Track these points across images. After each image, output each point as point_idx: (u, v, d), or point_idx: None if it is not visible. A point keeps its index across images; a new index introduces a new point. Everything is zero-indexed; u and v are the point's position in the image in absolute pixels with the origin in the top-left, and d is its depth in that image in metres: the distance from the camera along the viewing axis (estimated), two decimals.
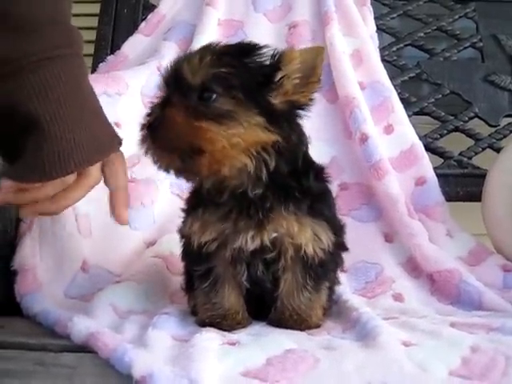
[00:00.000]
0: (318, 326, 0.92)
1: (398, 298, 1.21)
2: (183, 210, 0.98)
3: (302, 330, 0.89)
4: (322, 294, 0.95)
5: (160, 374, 0.67)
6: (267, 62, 0.86)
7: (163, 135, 0.83)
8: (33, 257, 1.06)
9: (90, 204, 1.24)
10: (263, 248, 0.88)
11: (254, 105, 0.83)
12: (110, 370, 0.71)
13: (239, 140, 0.82)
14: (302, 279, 0.90)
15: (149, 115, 0.88)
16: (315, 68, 0.87)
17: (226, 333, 0.85)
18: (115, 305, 1.01)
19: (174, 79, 0.86)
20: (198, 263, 0.93)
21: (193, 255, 0.94)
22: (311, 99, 0.89)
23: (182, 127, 0.82)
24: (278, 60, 0.86)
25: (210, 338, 0.79)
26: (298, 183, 0.89)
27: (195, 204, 0.93)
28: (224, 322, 0.89)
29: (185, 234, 0.95)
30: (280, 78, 0.85)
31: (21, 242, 1.07)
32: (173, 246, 1.18)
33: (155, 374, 0.66)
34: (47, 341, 0.79)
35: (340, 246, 0.99)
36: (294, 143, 0.88)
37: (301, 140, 0.91)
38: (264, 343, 0.78)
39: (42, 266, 1.06)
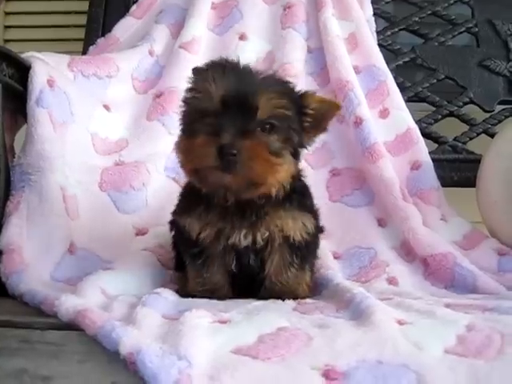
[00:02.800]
0: (306, 297, 1.00)
1: (392, 281, 1.20)
2: (179, 205, 1.02)
3: (291, 298, 0.95)
4: (305, 273, 1.03)
5: (148, 350, 0.65)
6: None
7: (243, 164, 0.86)
8: (19, 236, 1.03)
9: (78, 186, 1.22)
10: (255, 243, 0.97)
11: (292, 144, 0.94)
12: (96, 348, 0.69)
13: (285, 174, 0.93)
14: (290, 257, 0.99)
15: (216, 135, 0.86)
16: (326, 120, 0.98)
17: (216, 311, 0.83)
18: (104, 289, 0.98)
19: (242, 107, 0.88)
20: (192, 248, 1.00)
21: (188, 244, 1.00)
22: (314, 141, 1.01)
23: (263, 162, 0.89)
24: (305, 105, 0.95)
25: (201, 315, 0.77)
26: (291, 188, 0.97)
27: (194, 202, 0.97)
28: (212, 296, 0.97)
29: (181, 227, 1.00)
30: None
31: (7, 221, 1.05)
32: (163, 238, 1.18)
33: (143, 350, 0.65)
34: (33, 319, 0.77)
35: (318, 229, 1.08)
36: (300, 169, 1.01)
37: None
38: (256, 321, 0.76)
39: (29, 246, 1.04)
